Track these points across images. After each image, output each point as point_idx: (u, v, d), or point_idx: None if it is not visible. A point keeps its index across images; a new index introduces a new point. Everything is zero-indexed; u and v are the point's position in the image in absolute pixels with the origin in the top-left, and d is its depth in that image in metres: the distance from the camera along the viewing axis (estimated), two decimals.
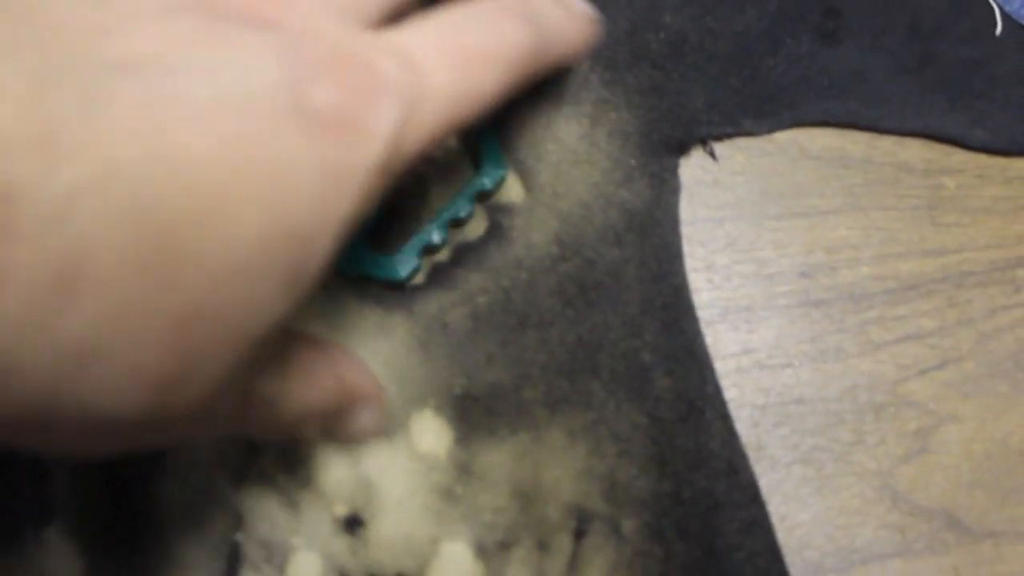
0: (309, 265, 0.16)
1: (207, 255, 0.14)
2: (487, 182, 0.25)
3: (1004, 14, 0.28)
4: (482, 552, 0.23)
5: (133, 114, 0.13)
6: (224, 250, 0.14)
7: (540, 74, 0.21)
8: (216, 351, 0.15)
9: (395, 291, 0.24)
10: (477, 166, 0.25)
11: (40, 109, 0.13)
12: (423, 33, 0.18)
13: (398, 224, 0.25)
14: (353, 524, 0.23)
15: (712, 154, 0.26)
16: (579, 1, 0.23)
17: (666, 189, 0.26)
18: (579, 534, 0.23)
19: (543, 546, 0.23)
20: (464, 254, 0.25)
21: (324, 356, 0.21)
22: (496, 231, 0.25)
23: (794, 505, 0.24)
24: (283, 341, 0.20)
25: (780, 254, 0.26)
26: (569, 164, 0.25)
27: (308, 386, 0.20)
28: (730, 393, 0.24)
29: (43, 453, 0.16)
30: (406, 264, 0.24)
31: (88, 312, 0.13)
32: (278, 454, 0.23)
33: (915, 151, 0.27)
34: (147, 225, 0.13)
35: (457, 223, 0.25)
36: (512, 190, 0.25)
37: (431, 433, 0.24)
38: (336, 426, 0.21)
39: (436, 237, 0.24)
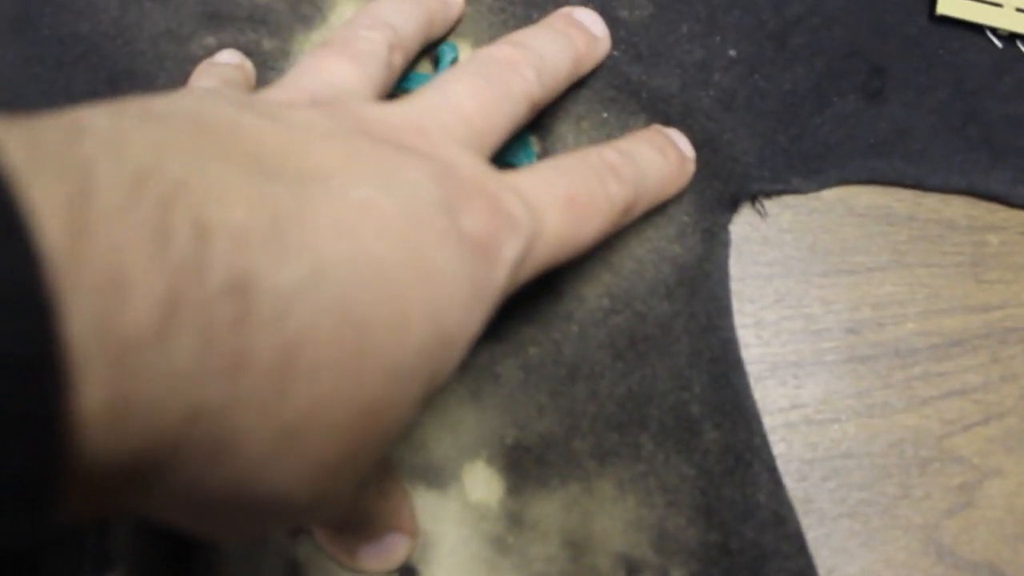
0: (446, 370, 0.17)
1: (387, 353, 0.15)
2: None
3: None
4: None
5: (333, 218, 0.14)
6: (399, 349, 0.15)
7: (635, 218, 0.23)
8: (375, 444, 0.16)
9: None
10: None
11: (264, 209, 0.13)
12: (538, 179, 0.20)
13: None
14: (407, 573, 0.23)
15: (761, 211, 0.27)
16: (678, 144, 0.25)
17: (717, 244, 0.26)
18: None
19: None
20: (515, 306, 0.25)
21: (397, 482, 0.23)
22: (547, 284, 0.25)
23: (842, 558, 0.24)
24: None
25: (827, 310, 0.26)
26: None
27: (381, 499, 0.22)
28: (778, 448, 0.25)
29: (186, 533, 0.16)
30: None
31: (302, 398, 0.14)
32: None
33: (959, 208, 0.27)
34: (347, 322, 0.14)
35: None
36: None
37: (483, 483, 0.24)
38: (367, 542, 0.23)
39: None
